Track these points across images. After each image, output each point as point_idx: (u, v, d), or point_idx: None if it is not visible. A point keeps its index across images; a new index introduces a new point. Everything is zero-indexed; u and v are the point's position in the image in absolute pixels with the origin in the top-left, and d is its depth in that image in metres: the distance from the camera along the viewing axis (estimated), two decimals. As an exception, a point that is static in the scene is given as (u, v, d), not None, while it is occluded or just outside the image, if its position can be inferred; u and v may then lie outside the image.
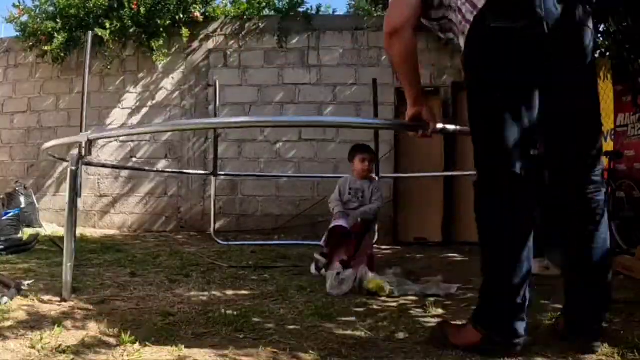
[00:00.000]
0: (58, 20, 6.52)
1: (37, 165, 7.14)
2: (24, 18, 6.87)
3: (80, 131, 4.10)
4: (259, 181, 6.65)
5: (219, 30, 6.84)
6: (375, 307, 2.82)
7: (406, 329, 2.35)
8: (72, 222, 2.79)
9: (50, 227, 6.67)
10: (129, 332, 2.23)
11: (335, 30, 6.68)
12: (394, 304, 2.88)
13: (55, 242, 5.06)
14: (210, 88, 6.58)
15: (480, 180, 2.03)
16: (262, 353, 2.04)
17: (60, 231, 6.40)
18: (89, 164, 4.32)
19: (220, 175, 6.16)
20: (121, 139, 6.84)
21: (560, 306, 2.77)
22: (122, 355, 1.99)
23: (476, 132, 2.06)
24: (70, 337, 2.19)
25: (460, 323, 2.23)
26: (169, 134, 6.77)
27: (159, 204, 6.77)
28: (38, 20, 6.74)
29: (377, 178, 4.16)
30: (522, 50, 1.85)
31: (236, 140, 6.65)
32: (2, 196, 6.55)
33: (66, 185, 6.97)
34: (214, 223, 5.97)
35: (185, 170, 6.60)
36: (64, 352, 1.99)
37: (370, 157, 4.05)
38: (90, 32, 4.09)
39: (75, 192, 2.72)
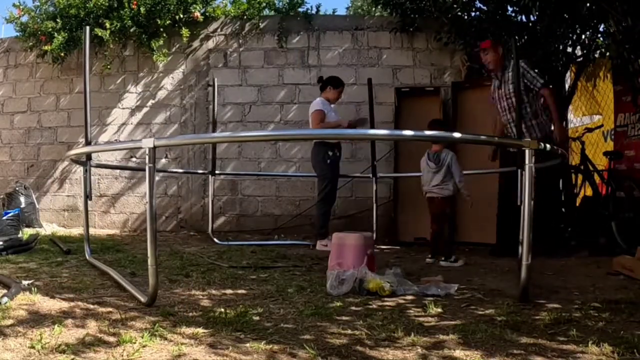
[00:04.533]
0: (58, 20, 6.52)
1: (37, 165, 7.14)
2: (24, 18, 6.88)
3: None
4: (259, 181, 6.65)
5: (219, 30, 6.85)
6: (374, 307, 2.82)
7: (405, 328, 2.35)
8: None
9: (50, 227, 6.67)
10: (128, 332, 2.23)
11: (335, 30, 6.69)
12: (393, 304, 2.88)
13: (55, 242, 5.06)
14: (210, 88, 6.58)
15: None
16: (261, 353, 2.05)
17: (61, 231, 6.42)
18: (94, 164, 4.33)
19: (218, 174, 6.17)
20: (121, 138, 6.84)
21: (557, 305, 2.78)
22: (122, 355, 1.99)
23: None
24: (70, 336, 2.19)
25: None
26: (169, 132, 6.77)
27: (159, 203, 6.76)
28: (38, 20, 6.75)
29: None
30: None
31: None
32: (2, 196, 6.56)
33: (67, 185, 7.02)
34: (212, 223, 5.97)
35: (184, 170, 6.60)
36: (63, 351, 1.99)
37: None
38: (87, 27, 4.09)
39: None
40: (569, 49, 5.81)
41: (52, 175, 7.09)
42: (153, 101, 6.88)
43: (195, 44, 6.84)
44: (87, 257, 4.11)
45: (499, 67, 4.83)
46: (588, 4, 5.18)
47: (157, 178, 6.77)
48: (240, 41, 6.80)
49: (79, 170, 6.98)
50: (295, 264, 4.19)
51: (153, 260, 2.66)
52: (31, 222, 6.48)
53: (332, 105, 5.41)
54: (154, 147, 2.67)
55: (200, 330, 2.30)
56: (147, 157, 2.66)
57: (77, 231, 6.37)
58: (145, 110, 6.90)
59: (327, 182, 5.23)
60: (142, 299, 2.78)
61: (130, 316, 2.52)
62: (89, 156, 4.22)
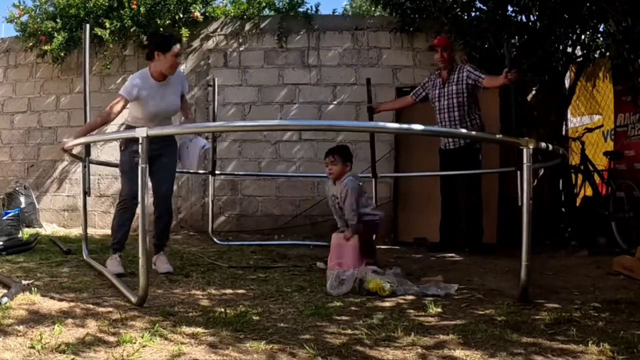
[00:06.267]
0: (58, 20, 6.52)
1: (37, 165, 7.14)
2: (24, 18, 6.87)
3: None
4: (259, 181, 6.65)
5: (219, 30, 6.84)
6: (374, 307, 2.82)
7: (405, 328, 2.36)
8: None
9: (50, 227, 6.67)
10: (128, 332, 2.23)
11: (335, 30, 6.68)
12: (393, 304, 2.88)
13: (55, 242, 5.06)
14: (210, 88, 6.57)
15: None
16: (261, 352, 2.05)
17: (60, 231, 6.42)
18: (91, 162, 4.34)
19: (219, 175, 6.16)
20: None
21: (557, 305, 2.78)
22: (122, 355, 1.99)
23: None
24: (70, 336, 2.19)
25: None
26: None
27: (159, 203, 6.75)
28: (38, 20, 6.74)
29: (345, 180, 3.73)
30: None
31: (236, 140, 6.65)
32: (2, 196, 6.55)
33: (66, 185, 7.02)
34: (212, 223, 5.96)
35: (184, 170, 6.59)
36: (63, 351, 1.99)
37: (332, 159, 3.75)
38: (87, 25, 4.10)
39: None
40: (569, 49, 5.81)
41: (52, 175, 7.09)
42: (153, 101, 6.87)
43: (195, 44, 6.83)
44: (84, 257, 4.11)
45: (448, 66, 4.98)
46: (588, 4, 5.18)
47: (157, 178, 6.77)
48: (240, 41, 6.79)
49: (78, 170, 6.97)
50: (295, 264, 4.19)
51: (144, 261, 2.66)
52: (31, 222, 6.47)
53: (161, 83, 3.65)
54: (147, 137, 2.69)
55: (200, 330, 2.31)
56: (140, 146, 2.67)
57: (77, 231, 6.36)
58: (145, 110, 6.88)
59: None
60: (133, 299, 2.77)
61: (130, 316, 2.52)
62: (87, 152, 4.22)
